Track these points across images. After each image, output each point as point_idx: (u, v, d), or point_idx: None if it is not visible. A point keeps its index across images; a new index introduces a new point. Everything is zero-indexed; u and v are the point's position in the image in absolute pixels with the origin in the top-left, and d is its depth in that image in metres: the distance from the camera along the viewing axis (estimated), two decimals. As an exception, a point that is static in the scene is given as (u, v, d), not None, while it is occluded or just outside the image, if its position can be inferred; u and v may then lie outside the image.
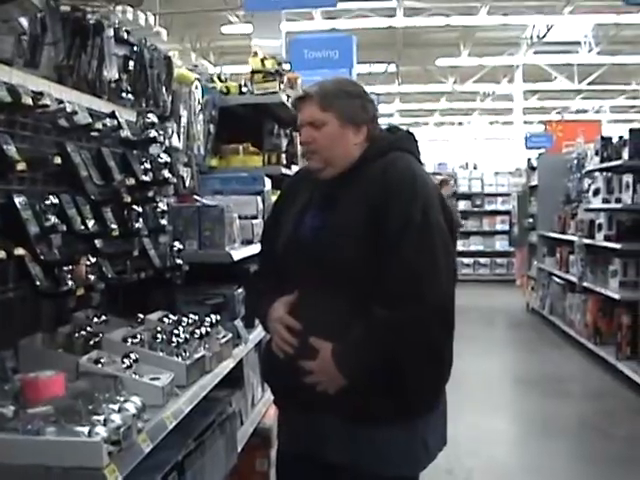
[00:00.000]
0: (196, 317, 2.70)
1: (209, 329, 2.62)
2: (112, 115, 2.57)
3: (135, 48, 2.84)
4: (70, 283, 2.06)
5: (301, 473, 2.25)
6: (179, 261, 2.83)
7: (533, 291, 10.75)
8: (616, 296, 6.82)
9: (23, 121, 2.16)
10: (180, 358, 2.35)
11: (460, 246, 13.63)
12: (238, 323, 3.05)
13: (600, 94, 21.44)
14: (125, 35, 2.74)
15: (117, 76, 2.68)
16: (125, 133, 2.63)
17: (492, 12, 14.05)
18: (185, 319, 2.65)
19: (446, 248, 2.07)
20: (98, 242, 2.32)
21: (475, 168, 16.46)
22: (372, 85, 15.17)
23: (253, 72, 4.30)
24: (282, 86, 4.37)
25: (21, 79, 2.09)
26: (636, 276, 6.78)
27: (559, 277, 9.32)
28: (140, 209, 2.58)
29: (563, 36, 15.41)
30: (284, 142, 4.50)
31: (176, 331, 2.44)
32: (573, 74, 18.67)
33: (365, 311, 2.02)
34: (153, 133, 2.78)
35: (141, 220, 2.58)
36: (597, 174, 8.03)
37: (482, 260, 14.86)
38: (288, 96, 4.34)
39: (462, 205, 14.27)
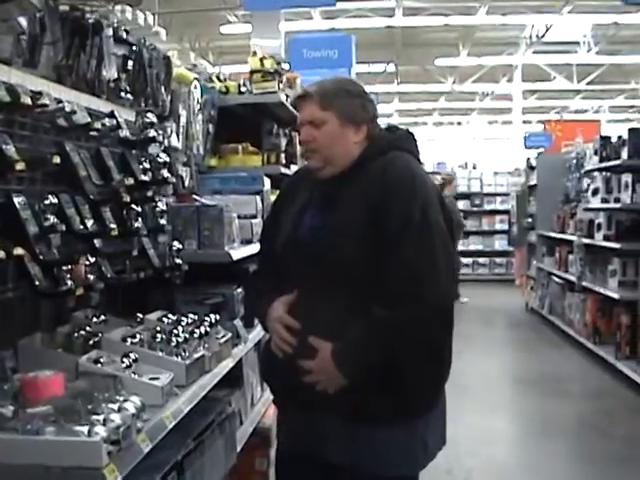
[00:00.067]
0: (195, 317, 2.70)
1: (208, 329, 2.62)
2: (111, 115, 2.57)
3: (134, 48, 2.84)
4: (69, 283, 2.06)
5: (300, 473, 2.25)
6: (178, 261, 2.83)
7: (532, 291, 10.75)
8: (615, 296, 6.82)
9: (22, 121, 2.15)
10: (179, 358, 2.35)
11: (459, 246, 13.61)
12: (237, 323, 3.05)
13: (599, 94, 21.46)
14: (124, 35, 2.74)
15: (116, 76, 2.68)
16: (124, 133, 2.63)
17: (491, 12, 14.06)
18: (184, 319, 2.65)
19: (445, 248, 2.07)
20: (97, 242, 2.31)
21: (474, 168, 16.46)
22: (371, 85, 15.16)
23: (252, 72, 4.30)
24: (281, 86, 4.37)
25: (20, 79, 2.08)
26: (635, 276, 6.78)
27: (558, 277, 9.32)
28: (139, 209, 2.58)
29: (562, 36, 15.42)
30: (283, 142, 4.50)
31: (175, 331, 2.44)
32: (572, 74, 18.69)
33: (364, 311, 2.01)
34: (152, 133, 2.78)
35: (140, 220, 2.58)
36: (596, 174, 8.04)
37: (481, 260, 14.85)
38: (287, 96, 4.34)
39: (461, 205, 14.25)
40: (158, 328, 2.46)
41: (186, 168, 3.45)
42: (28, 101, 2.03)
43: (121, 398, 1.87)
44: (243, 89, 4.27)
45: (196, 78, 3.70)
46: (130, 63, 2.80)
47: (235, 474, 3.04)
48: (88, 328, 2.36)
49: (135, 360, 2.16)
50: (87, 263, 2.20)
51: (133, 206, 2.55)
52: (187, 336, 2.45)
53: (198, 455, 2.48)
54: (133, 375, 2.12)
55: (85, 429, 1.66)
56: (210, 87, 4.09)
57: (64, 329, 2.35)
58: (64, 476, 1.63)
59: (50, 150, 2.24)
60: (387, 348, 2.04)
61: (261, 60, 4.32)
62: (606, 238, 7.24)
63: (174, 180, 3.01)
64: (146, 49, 2.94)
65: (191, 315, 2.71)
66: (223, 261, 2.98)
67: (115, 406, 1.80)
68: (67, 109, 2.25)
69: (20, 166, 1.95)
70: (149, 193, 2.75)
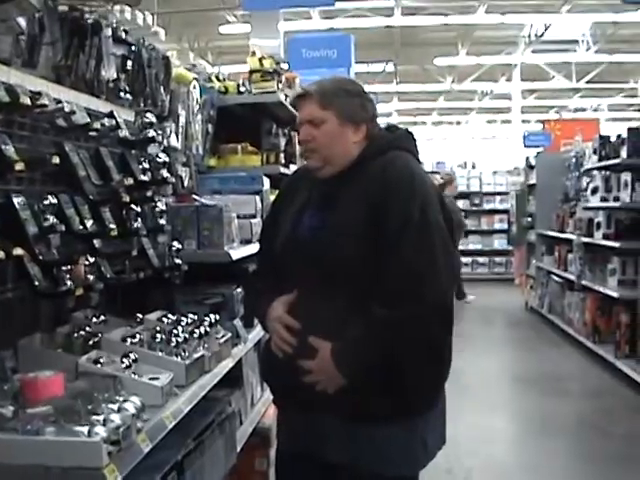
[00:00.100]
0: (195, 317, 2.70)
1: (208, 329, 2.62)
2: (110, 115, 2.57)
3: (133, 48, 2.84)
4: (69, 283, 2.06)
5: (300, 473, 2.25)
6: (178, 261, 2.83)
7: (532, 290, 10.75)
8: (615, 294, 6.82)
9: (21, 121, 2.15)
10: (179, 358, 2.35)
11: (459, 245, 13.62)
12: (237, 323, 3.05)
13: (598, 92, 21.46)
14: (123, 35, 2.74)
15: (115, 76, 2.68)
16: (123, 133, 2.63)
17: (490, 11, 14.07)
18: (184, 319, 2.65)
19: (445, 247, 2.07)
20: (97, 242, 2.31)
21: (473, 167, 16.46)
22: (370, 84, 15.16)
23: (251, 72, 4.30)
24: (280, 85, 4.37)
25: (19, 79, 2.08)
26: (635, 274, 6.78)
27: (558, 276, 9.32)
28: (139, 209, 2.58)
29: (561, 35, 15.44)
30: (282, 141, 4.50)
31: (175, 331, 2.44)
32: (571, 73, 18.69)
33: (364, 310, 2.01)
34: (151, 133, 2.78)
35: (140, 220, 2.58)
36: (595, 172, 8.04)
37: (480, 259, 14.85)
38: (286, 95, 4.34)
39: (460, 204, 14.22)
40: (158, 328, 2.46)
41: (185, 168, 3.45)
42: (27, 101, 2.03)
43: (121, 398, 1.87)
44: (242, 89, 4.27)
45: (195, 78, 3.71)
46: (129, 63, 2.81)
47: (235, 474, 3.04)
48: (88, 328, 2.36)
49: (135, 360, 2.16)
50: (87, 263, 2.20)
51: (132, 206, 2.55)
52: (187, 336, 2.45)
53: (198, 455, 2.48)
54: (133, 375, 2.12)
55: (85, 429, 1.66)
56: (209, 87, 4.09)
57: (64, 329, 2.35)
58: (64, 476, 1.63)
59: (49, 150, 2.24)
60: (387, 348, 2.04)
61: (260, 60, 4.32)
62: (605, 237, 7.25)
63: (173, 180, 3.01)
64: (145, 49, 2.94)
65: (191, 315, 2.71)
66: (223, 261, 2.98)
67: (115, 406, 1.80)
68: (66, 109, 2.24)
69: (19, 166, 1.95)
70: (148, 193, 2.75)
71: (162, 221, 2.78)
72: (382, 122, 2.32)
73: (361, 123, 2.19)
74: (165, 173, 2.81)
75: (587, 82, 19.24)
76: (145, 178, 2.67)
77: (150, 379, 2.13)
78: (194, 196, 3.32)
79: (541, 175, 10.38)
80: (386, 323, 2.01)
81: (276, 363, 2.19)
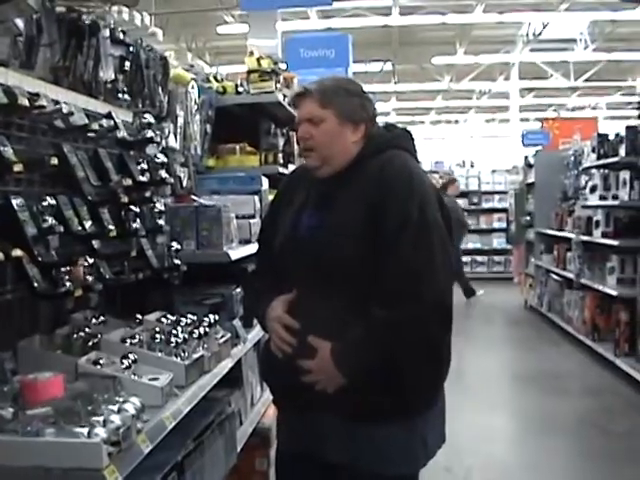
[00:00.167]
0: (194, 317, 2.70)
1: (207, 329, 2.62)
2: (108, 116, 2.57)
3: (131, 48, 2.84)
4: (68, 284, 2.06)
5: (300, 472, 2.25)
6: (177, 261, 2.83)
7: (531, 288, 10.76)
8: (614, 293, 6.83)
9: (19, 122, 2.15)
10: (179, 358, 2.35)
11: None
12: (236, 323, 3.05)
13: (596, 91, 21.48)
14: (121, 36, 2.74)
15: (113, 77, 2.68)
16: (122, 134, 2.63)
17: (488, 10, 14.08)
18: (183, 319, 2.66)
19: (443, 246, 2.07)
20: (96, 243, 2.31)
21: (472, 166, 16.47)
22: (368, 84, 15.16)
23: (249, 72, 4.30)
24: (278, 85, 4.37)
25: (17, 80, 2.08)
26: (633, 273, 6.78)
27: (557, 274, 9.33)
28: (137, 209, 2.58)
29: (559, 33, 15.44)
30: (281, 141, 4.50)
31: (174, 331, 2.44)
32: (569, 71, 18.72)
33: (363, 310, 2.01)
34: (150, 133, 2.78)
35: (138, 220, 2.58)
36: (594, 171, 8.04)
37: (479, 258, 14.85)
38: (284, 95, 4.34)
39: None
40: (157, 329, 2.46)
41: (184, 168, 3.45)
42: (25, 103, 2.02)
43: (121, 399, 1.87)
44: (240, 89, 4.27)
45: (193, 78, 3.71)
46: (127, 64, 2.80)
47: (235, 474, 3.04)
48: (87, 329, 2.36)
49: (134, 361, 2.16)
50: (86, 264, 2.20)
51: (131, 207, 2.55)
52: (186, 336, 2.46)
53: (198, 455, 2.48)
54: (133, 376, 2.12)
55: (85, 430, 1.66)
56: (207, 87, 4.09)
57: (63, 330, 2.35)
58: (64, 478, 1.63)
59: (48, 151, 2.24)
60: (386, 348, 2.04)
61: (258, 60, 4.32)
62: (604, 235, 7.25)
63: (172, 181, 3.01)
64: (143, 50, 2.94)
65: (190, 315, 2.71)
66: (222, 261, 2.98)
67: (115, 407, 1.80)
68: (64, 110, 2.24)
69: (18, 168, 1.95)
70: (147, 194, 2.75)
71: (161, 222, 2.78)
72: (380, 121, 2.31)
73: (360, 123, 2.19)
74: (164, 174, 2.81)
75: (585, 81, 19.26)
76: (144, 179, 2.67)
77: (150, 380, 2.13)
78: (193, 196, 3.32)
79: (540, 174, 10.39)
80: (385, 323, 2.01)
81: (275, 363, 2.19)
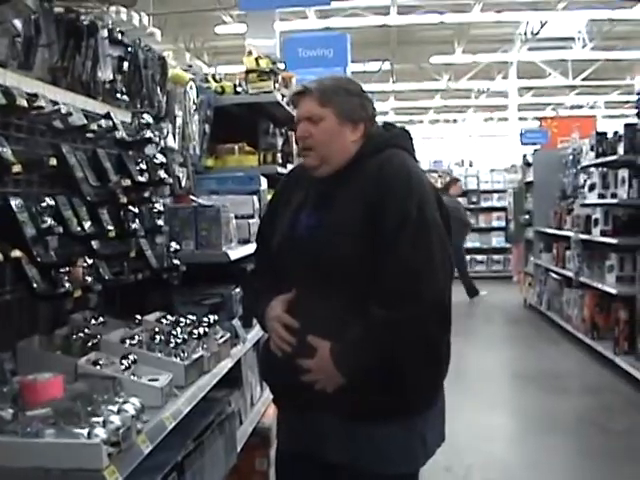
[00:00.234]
0: (194, 317, 2.70)
1: (207, 329, 2.62)
2: (107, 116, 2.56)
3: (129, 49, 2.84)
4: (67, 285, 2.06)
5: (300, 472, 2.25)
6: (176, 261, 2.83)
7: (530, 287, 10.76)
8: (613, 291, 6.83)
9: (18, 123, 2.15)
10: (178, 359, 2.35)
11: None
12: (236, 323, 3.05)
13: (594, 90, 21.49)
14: (119, 36, 2.74)
15: (112, 77, 2.68)
16: (120, 134, 2.63)
17: (486, 9, 14.08)
18: (183, 319, 2.65)
19: (442, 244, 2.07)
20: (95, 243, 2.31)
21: (471, 165, 16.47)
22: (367, 83, 15.15)
23: (248, 71, 4.30)
24: (277, 85, 4.37)
25: (15, 81, 2.08)
26: (633, 271, 6.77)
27: (556, 273, 9.33)
28: (136, 210, 2.58)
29: (557, 32, 15.45)
30: (279, 141, 4.50)
31: (174, 332, 2.44)
32: (567, 70, 18.72)
33: (362, 309, 2.01)
34: (148, 134, 2.78)
35: (137, 221, 2.57)
36: (593, 169, 8.04)
37: (479, 257, 14.86)
38: (283, 95, 4.34)
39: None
40: (157, 329, 2.46)
41: (183, 169, 3.45)
42: (24, 103, 2.02)
43: (120, 400, 1.87)
44: (239, 89, 4.27)
45: (192, 79, 3.71)
46: (125, 64, 2.80)
47: (235, 474, 3.04)
48: (86, 330, 2.36)
49: (134, 361, 2.16)
50: (85, 265, 2.20)
51: (130, 207, 2.55)
52: (186, 337, 2.46)
53: (198, 456, 2.48)
54: (132, 376, 2.12)
55: (85, 431, 1.66)
56: (206, 87, 4.09)
57: (62, 331, 2.35)
58: (64, 478, 1.63)
59: (46, 152, 2.24)
60: (385, 347, 2.04)
61: (256, 60, 4.32)
62: (603, 233, 7.25)
63: (171, 181, 3.01)
64: (141, 50, 2.93)
65: (189, 316, 2.71)
66: (221, 261, 2.98)
67: (115, 408, 1.80)
68: (63, 111, 2.24)
69: (17, 168, 1.94)
70: (146, 194, 2.75)
71: (160, 222, 2.78)
72: (379, 121, 2.32)
73: (359, 122, 2.19)
74: (162, 174, 2.81)
75: (583, 79, 19.26)
76: (142, 179, 2.66)
77: (149, 380, 2.13)
78: (192, 197, 3.32)
79: (538, 172, 10.39)
80: (384, 323, 2.01)
81: (275, 362, 2.19)
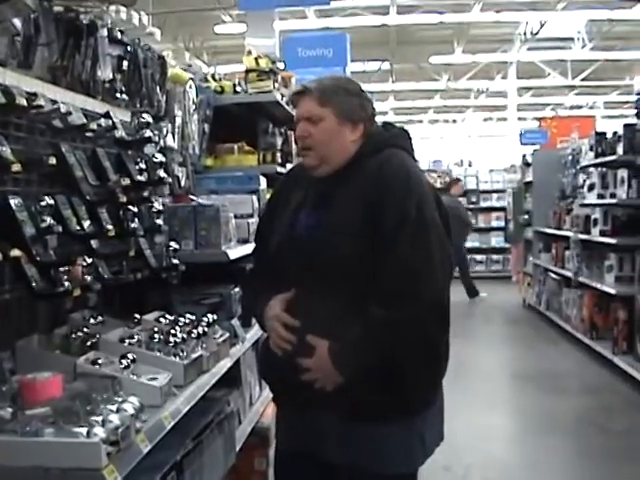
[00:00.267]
0: (193, 317, 2.69)
1: (206, 329, 2.61)
2: (106, 115, 2.56)
3: (129, 48, 2.84)
4: (66, 284, 2.06)
5: (300, 472, 2.25)
6: (175, 261, 2.83)
7: (529, 287, 10.77)
8: (612, 291, 6.83)
9: (17, 122, 2.15)
10: (177, 358, 2.35)
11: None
12: (235, 322, 3.05)
13: (594, 90, 21.50)
14: (119, 35, 2.74)
15: (111, 76, 2.68)
16: (120, 133, 2.63)
17: (485, 9, 14.09)
18: (182, 319, 2.65)
19: (441, 244, 2.07)
20: (94, 243, 2.31)
21: (470, 165, 16.47)
22: (366, 83, 15.16)
23: (247, 71, 4.30)
24: (276, 85, 4.37)
25: (15, 80, 2.08)
26: (632, 271, 6.78)
27: (555, 273, 9.33)
28: (136, 209, 2.58)
29: (556, 32, 15.46)
30: (279, 141, 4.50)
31: (173, 331, 2.44)
32: (567, 70, 18.73)
33: (361, 308, 2.01)
34: (148, 133, 2.78)
35: (137, 220, 2.57)
36: (592, 169, 8.04)
37: (478, 257, 14.86)
38: (282, 95, 4.34)
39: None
40: (156, 329, 2.46)
41: (182, 168, 3.45)
42: (23, 102, 2.02)
43: (119, 399, 1.87)
44: (238, 89, 4.27)
45: (191, 78, 3.70)
46: (125, 63, 2.80)
47: (234, 474, 3.04)
48: (86, 329, 2.36)
49: (133, 361, 2.16)
50: (84, 264, 2.20)
51: (129, 207, 2.55)
52: (185, 336, 2.45)
53: (197, 455, 2.48)
54: (131, 376, 2.12)
55: (84, 430, 1.66)
56: (205, 87, 4.09)
57: (62, 330, 2.35)
58: (63, 478, 1.63)
59: (46, 151, 2.24)
60: (384, 346, 2.04)
61: (256, 59, 4.32)
62: (602, 233, 7.25)
63: (170, 180, 3.01)
64: (141, 49, 2.94)
65: (188, 315, 2.70)
66: (220, 261, 2.98)
67: (114, 407, 1.80)
68: (62, 110, 2.24)
69: (16, 167, 1.95)
70: (145, 193, 2.75)
71: (159, 221, 2.77)
72: (378, 120, 2.32)
73: (359, 122, 2.19)
74: (162, 173, 2.81)
75: (583, 79, 19.27)
76: (142, 178, 2.66)
77: (148, 379, 2.13)
78: (191, 196, 3.32)
79: (538, 172, 10.39)
80: (383, 322, 2.01)
81: (274, 361, 2.19)
